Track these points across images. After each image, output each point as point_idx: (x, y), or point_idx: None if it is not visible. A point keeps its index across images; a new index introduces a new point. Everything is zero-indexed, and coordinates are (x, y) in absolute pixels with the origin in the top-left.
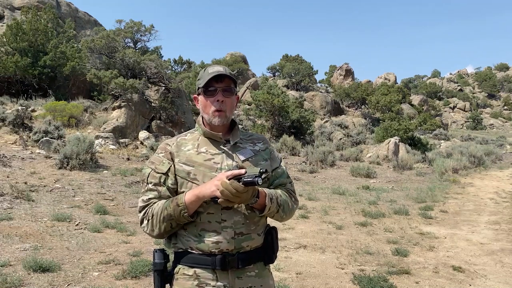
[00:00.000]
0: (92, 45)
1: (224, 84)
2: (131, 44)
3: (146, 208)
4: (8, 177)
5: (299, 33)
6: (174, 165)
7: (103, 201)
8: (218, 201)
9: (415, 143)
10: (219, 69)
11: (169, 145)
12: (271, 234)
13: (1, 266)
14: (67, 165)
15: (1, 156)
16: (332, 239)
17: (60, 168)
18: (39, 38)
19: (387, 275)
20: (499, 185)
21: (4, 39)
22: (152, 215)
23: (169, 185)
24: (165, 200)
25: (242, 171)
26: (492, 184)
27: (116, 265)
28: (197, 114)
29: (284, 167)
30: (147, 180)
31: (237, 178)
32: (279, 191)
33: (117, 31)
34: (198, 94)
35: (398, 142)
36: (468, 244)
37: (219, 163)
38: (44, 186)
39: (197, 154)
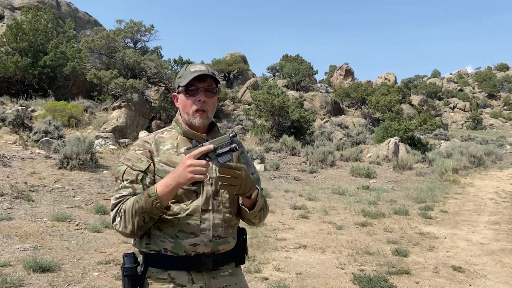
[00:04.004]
0: (92, 45)
1: (206, 84)
2: (131, 44)
3: (119, 205)
4: (8, 177)
5: (299, 33)
6: (154, 164)
7: (103, 201)
8: (219, 186)
9: (415, 143)
10: (201, 68)
11: (148, 143)
12: (242, 235)
13: (1, 266)
14: (67, 165)
15: (1, 156)
16: (332, 239)
17: (60, 168)
18: (39, 38)
19: (387, 275)
20: (499, 185)
21: (4, 39)
22: (125, 211)
23: (147, 183)
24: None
25: (210, 146)
26: (492, 184)
27: (116, 265)
28: None
29: (257, 174)
30: (122, 177)
31: (206, 154)
32: None
33: (117, 31)
34: (178, 93)
35: (398, 142)
36: (468, 244)
37: None
38: (44, 186)
39: (177, 155)
